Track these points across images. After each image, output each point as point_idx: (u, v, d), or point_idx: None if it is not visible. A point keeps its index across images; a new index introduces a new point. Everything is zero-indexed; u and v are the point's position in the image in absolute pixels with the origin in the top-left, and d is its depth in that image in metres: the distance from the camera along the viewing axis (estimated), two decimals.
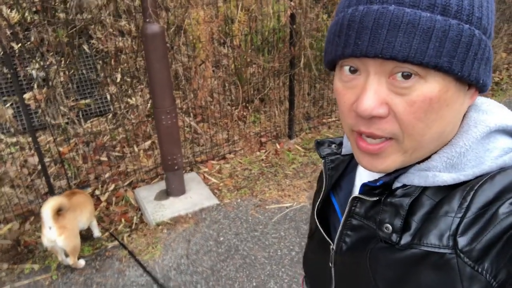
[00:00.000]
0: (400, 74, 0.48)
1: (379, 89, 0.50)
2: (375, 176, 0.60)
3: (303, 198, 3.20)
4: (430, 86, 0.48)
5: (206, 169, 3.59)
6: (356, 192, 0.64)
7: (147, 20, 2.55)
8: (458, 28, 0.47)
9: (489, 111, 0.56)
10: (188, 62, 3.90)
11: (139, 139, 3.79)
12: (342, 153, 0.72)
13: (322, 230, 0.70)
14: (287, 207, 3.11)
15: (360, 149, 0.55)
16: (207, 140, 3.82)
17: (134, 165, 3.51)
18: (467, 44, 0.48)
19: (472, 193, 0.49)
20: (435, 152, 0.54)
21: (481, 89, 0.54)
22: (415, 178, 0.54)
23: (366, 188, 0.59)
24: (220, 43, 4.22)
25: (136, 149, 3.70)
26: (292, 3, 3.12)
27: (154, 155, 3.63)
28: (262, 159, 3.72)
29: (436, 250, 0.49)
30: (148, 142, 3.78)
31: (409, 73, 0.48)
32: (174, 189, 3.16)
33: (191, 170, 3.57)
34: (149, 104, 3.93)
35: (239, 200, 3.21)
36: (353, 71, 0.52)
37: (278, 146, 3.88)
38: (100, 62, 4.06)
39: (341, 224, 0.64)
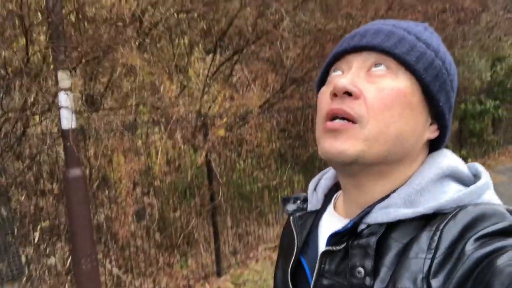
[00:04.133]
0: (376, 65, 0.59)
1: (356, 78, 0.58)
2: (338, 226, 0.60)
3: None
4: (399, 81, 0.58)
5: None
6: (322, 247, 0.62)
7: (69, 166, 2.74)
8: (424, 48, 0.59)
9: (442, 155, 0.62)
10: (110, 213, 3.95)
11: None
12: (308, 209, 0.72)
13: None
14: None
15: (325, 130, 0.59)
16: None
17: None
18: (431, 62, 0.59)
19: (438, 233, 0.50)
20: (394, 191, 0.58)
21: (441, 125, 0.62)
22: (378, 216, 0.56)
23: (334, 239, 0.59)
24: (143, 193, 4.40)
25: None
26: (206, 146, 3.57)
27: None
28: None
29: None
30: None
31: (383, 64, 0.58)
32: None
33: None
34: (68, 261, 3.75)
35: None
36: (339, 73, 0.62)
37: (208, 287, 3.79)
38: (18, 223, 3.94)
39: (311, 287, 0.61)
